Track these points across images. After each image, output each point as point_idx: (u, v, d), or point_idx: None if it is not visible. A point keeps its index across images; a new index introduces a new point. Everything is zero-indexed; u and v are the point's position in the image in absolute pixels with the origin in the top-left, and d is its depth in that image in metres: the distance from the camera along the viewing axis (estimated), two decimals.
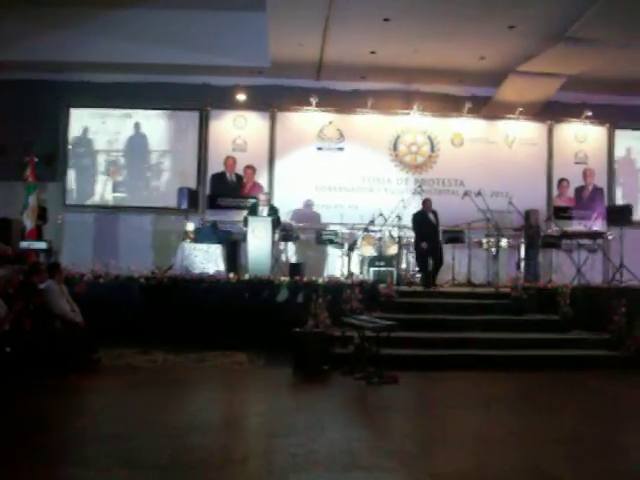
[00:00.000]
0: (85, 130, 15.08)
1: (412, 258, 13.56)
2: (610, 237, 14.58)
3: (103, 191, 15.04)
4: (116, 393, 7.84)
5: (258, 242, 11.96)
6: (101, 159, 15.14)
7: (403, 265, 13.42)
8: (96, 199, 15.03)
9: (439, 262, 12.75)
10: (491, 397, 8.02)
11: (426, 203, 12.95)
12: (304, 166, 14.96)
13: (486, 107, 15.42)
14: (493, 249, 13.31)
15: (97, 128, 15.10)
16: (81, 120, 15.10)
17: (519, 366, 9.55)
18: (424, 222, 12.72)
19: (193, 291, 10.87)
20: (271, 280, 11.10)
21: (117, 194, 15.03)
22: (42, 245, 12.31)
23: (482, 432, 6.52)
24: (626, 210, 14.07)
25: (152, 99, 14.85)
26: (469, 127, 15.50)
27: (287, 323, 9.53)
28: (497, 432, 6.57)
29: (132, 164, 15.14)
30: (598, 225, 15.23)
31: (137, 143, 15.16)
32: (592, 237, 13.81)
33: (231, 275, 11.29)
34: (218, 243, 12.30)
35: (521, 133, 15.63)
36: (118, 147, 15.14)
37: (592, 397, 8.41)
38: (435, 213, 12.87)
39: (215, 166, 14.98)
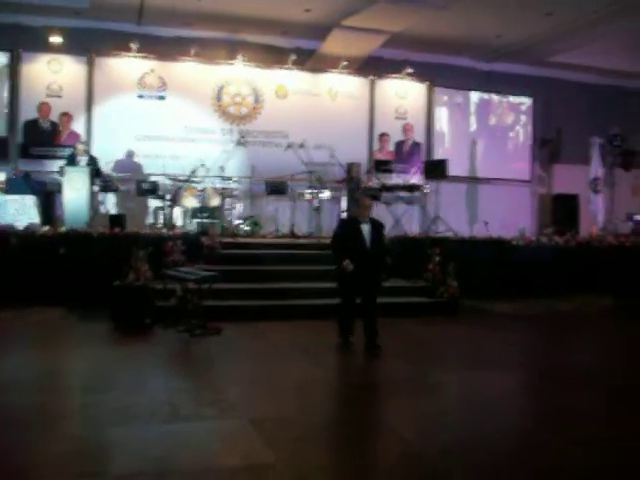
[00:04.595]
0: None
1: (234, 210, 13.55)
2: (427, 190, 15.18)
3: None
4: None
5: (75, 193, 11.44)
6: None
7: (227, 217, 13.34)
8: None
9: (371, 305, 8.00)
10: (313, 345, 8.17)
11: (362, 204, 8.26)
12: (124, 115, 14.40)
13: (310, 60, 15.50)
14: (316, 201, 13.52)
15: None
16: None
17: None
18: (352, 235, 8.08)
19: (4, 245, 10.20)
20: (89, 233, 10.65)
21: None
22: None
23: (303, 380, 6.62)
24: (442, 165, 14.66)
25: None
26: (293, 79, 15.57)
27: (106, 277, 9.23)
28: (318, 379, 6.71)
29: None
30: (416, 178, 15.81)
31: None
32: (410, 190, 14.31)
33: (46, 228, 10.72)
34: (32, 194, 11.71)
35: (344, 87, 15.89)
36: None
37: (409, 341, 8.80)
38: (377, 225, 8.18)
39: (28, 113, 14.07)
